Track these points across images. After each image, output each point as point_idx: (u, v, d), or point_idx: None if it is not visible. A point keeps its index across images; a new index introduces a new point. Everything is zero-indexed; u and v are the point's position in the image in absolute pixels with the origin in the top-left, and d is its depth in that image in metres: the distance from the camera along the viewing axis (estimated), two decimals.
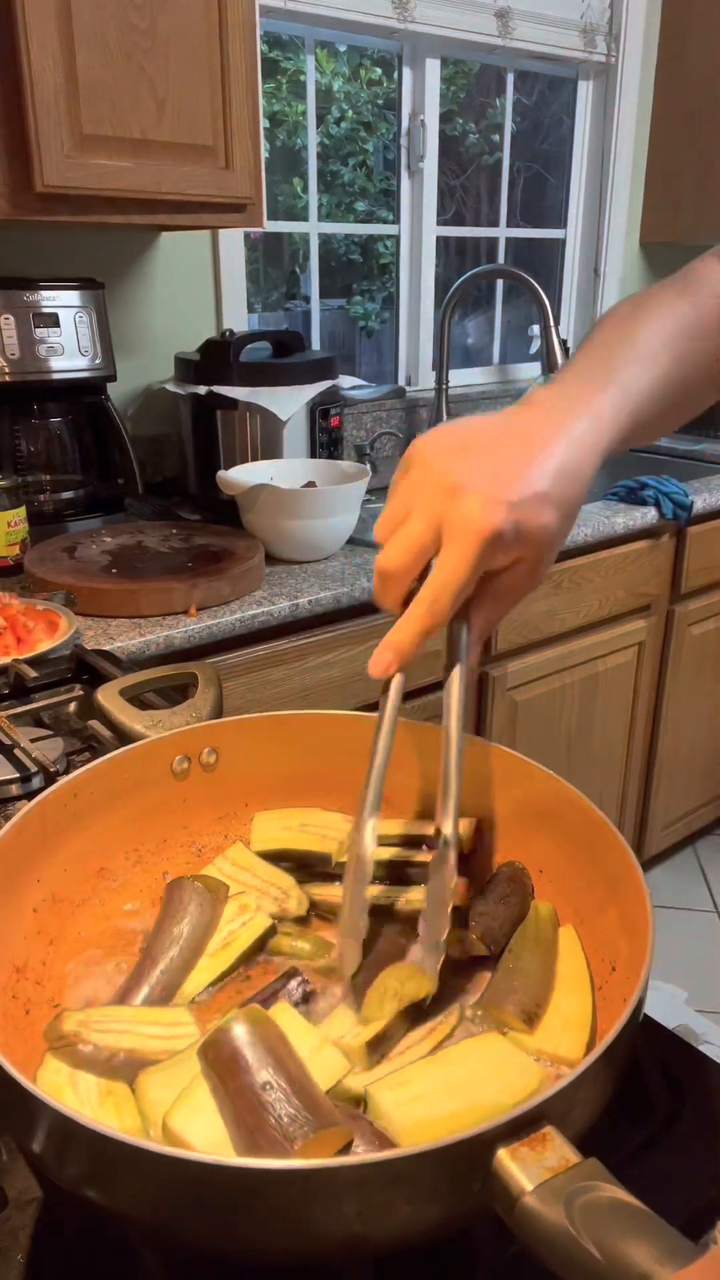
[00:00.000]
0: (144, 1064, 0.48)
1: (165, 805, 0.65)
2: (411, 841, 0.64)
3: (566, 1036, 0.50)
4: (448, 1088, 0.45)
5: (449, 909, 0.52)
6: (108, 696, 0.77)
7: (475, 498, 0.50)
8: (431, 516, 0.51)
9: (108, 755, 0.63)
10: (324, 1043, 0.48)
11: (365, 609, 1.56)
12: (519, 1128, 0.37)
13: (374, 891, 0.59)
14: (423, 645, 0.53)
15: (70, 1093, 0.48)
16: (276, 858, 0.64)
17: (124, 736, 0.72)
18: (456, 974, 0.57)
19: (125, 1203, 0.39)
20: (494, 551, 0.51)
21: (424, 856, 0.63)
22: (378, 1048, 0.49)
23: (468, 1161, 0.36)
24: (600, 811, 0.55)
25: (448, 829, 0.53)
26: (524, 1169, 0.36)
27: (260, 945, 0.58)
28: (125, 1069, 0.48)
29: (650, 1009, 0.47)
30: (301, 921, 0.60)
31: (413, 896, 0.61)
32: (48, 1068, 0.49)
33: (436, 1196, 0.37)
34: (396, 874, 0.62)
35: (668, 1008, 1.77)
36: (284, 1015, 0.49)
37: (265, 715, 0.67)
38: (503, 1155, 0.36)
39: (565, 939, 0.56)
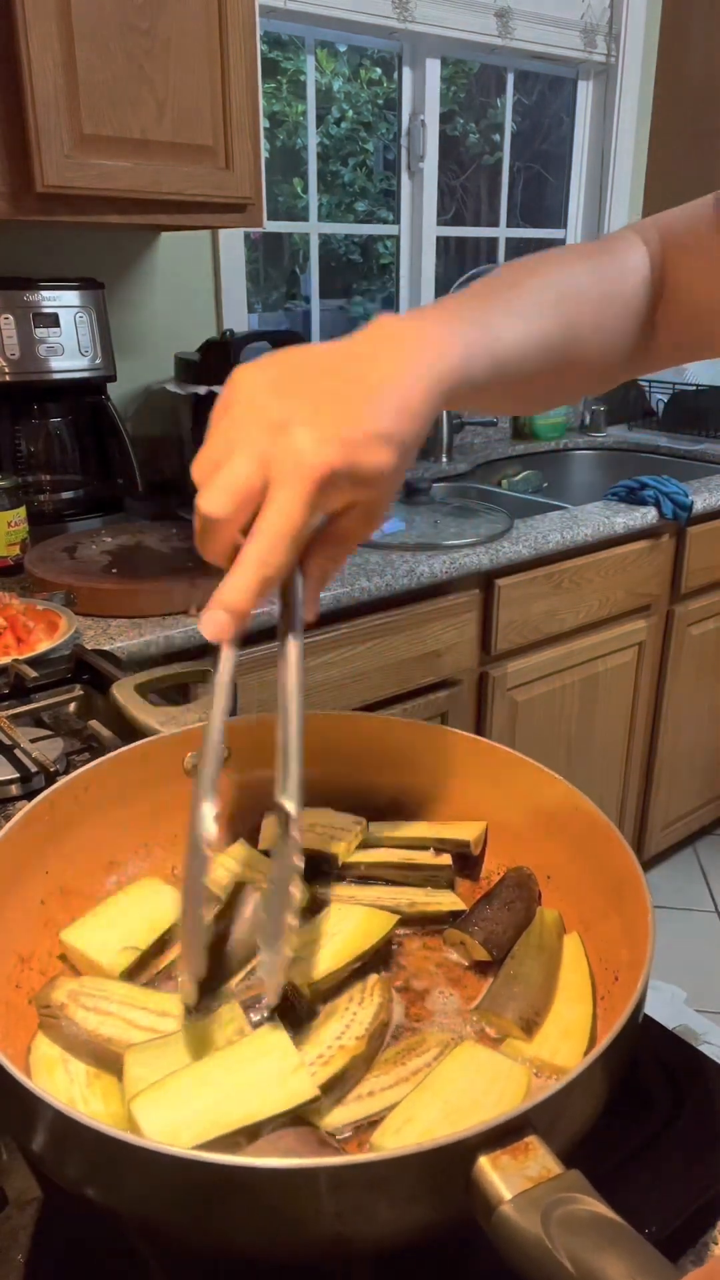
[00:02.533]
0: (123, 1057, 0.48)
1: (176, 801, 0.65)
2: (419, 845, 0.64)
3: (565, 1046, 0.50)
4: (445, 1111, 0.45)
5: (294, 899, 0.47)
6: (123, 691, 0.77)
7: (307, 434, 0.45)
8: (258, 455, 0.46)
9: (120, 750, 0.63)
10: (299, 1067, 0.46)
11: (365, 609, 1.56)
12: (502, 1135, 0.36)
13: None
14: (260, 601, 0.47)
15: (61, 1071, 0.48)
16: None
17: (137, 732, 0.72)
18: (458, 979, 0.57)
19: (120, 1200, 0.39)
20: (329, 493, 0.46)
21: (425, 858, 0.63)
22: (336, 1087, 0.47)
23: (449, 1167, 0.36)
24: (607, 818, 0.55)
25: (290, 805, 0.47)
26: (504, 1178, 0.35)
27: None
28: (107, 1057, 0.48)
29: (650, 1009, 0.47)
30: (304, 913, 0.60)
31: (418, 899, 0.61)
32: (40, 1042, 0.50)
33: (418, 1201, 0.37)
34: (405, 877, 0.62)
35: (668, 1008, 1.77)
36: (271, 1033, 0.48)
37: (277, 714, 0.67)
38: (483, 1163, 0.36)
39: (570, 946, 0.56)
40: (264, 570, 0.46)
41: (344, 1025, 0.49)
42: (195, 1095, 0.43)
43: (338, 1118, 0.46)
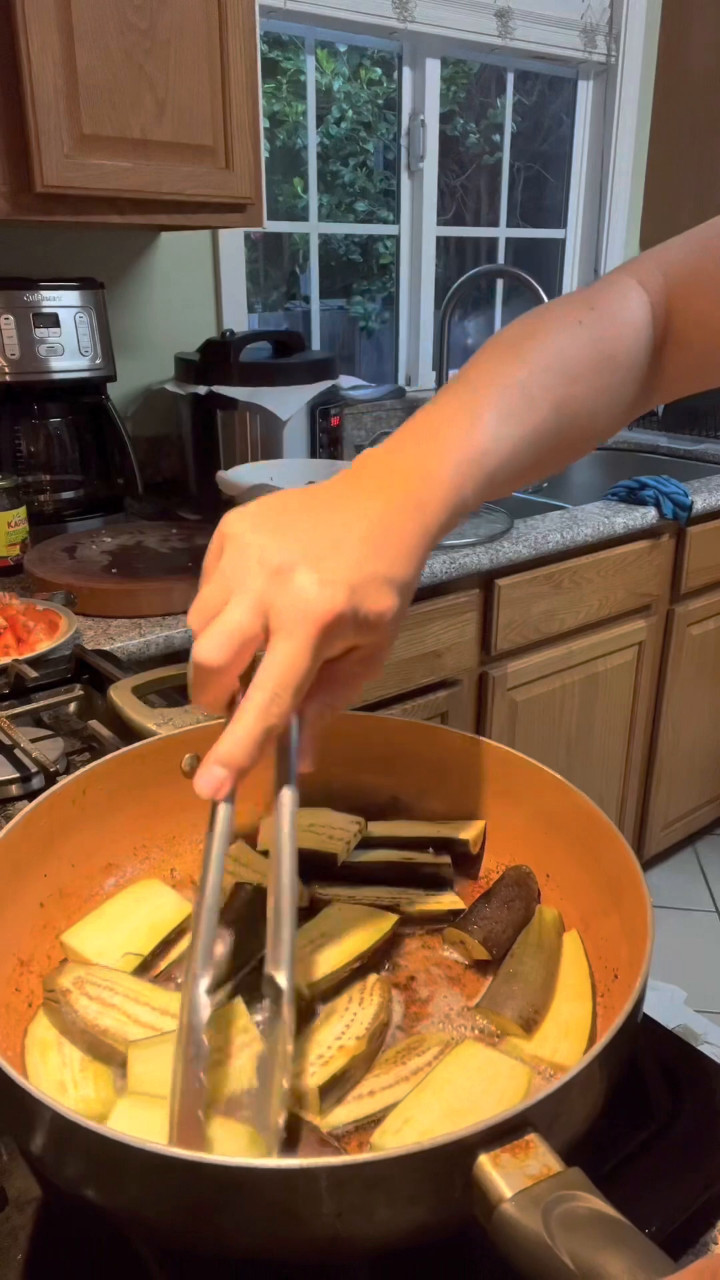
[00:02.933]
0: (117, 1050, 0.48)
1: (174, 803, 0.65)
2: (418, 844, 0.64)
3: (564, 1044, 0.50)
4: (445, 1111, 0.45)
5: (282, 1084, 0.42)
6: (120, 694, 0.77)
7: (308, 577, 0.43)
8: (255, 602, 0.43)
9: (117, 751, 0.63)
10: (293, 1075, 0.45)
11: None
12: (502, 1134, 0.36)
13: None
14: (260, 755, 0.44)
15: (55, 1054, 0.49)
16: None
17: (134, 733, 0.72)
18: (458, 978, 0.57)
19: (120, 1200, 0.39)
20: (334, 637, 0.44)
21: (424, 857, 0.63)
22: (336, 1088, 0.47)
23: (448, 1166, 0.36)
24: (606, 817, 0.55)
25: (281, 978, 0.43)
26: (504, 1176, 0.35)
27: None
28: (101, 1048, 0.48)
29: (650, 1009, 0.47)
30: (303, 914, 0.61)
31: (418, 898, 0.61)
32: (39, 1023, 0.50)
33: (418, 1201, 0.37)
34: (402, 877, 0.62)
35: (668, 1008, 1.77)
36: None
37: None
38: (483, 1161, 0.36)
39: (569, 945, 0.56)
40: (266, 722, 0.43)
41: (344, 1025, 0.49)
42: None
43: (338, 1117, 0.46)
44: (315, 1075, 0.46)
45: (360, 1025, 0.49)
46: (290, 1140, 0.43)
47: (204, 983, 0.43)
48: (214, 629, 0.44)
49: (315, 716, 0.49)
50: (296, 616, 0.43)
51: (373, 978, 0.53)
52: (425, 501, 0.48)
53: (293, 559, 0.44)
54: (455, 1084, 0.46)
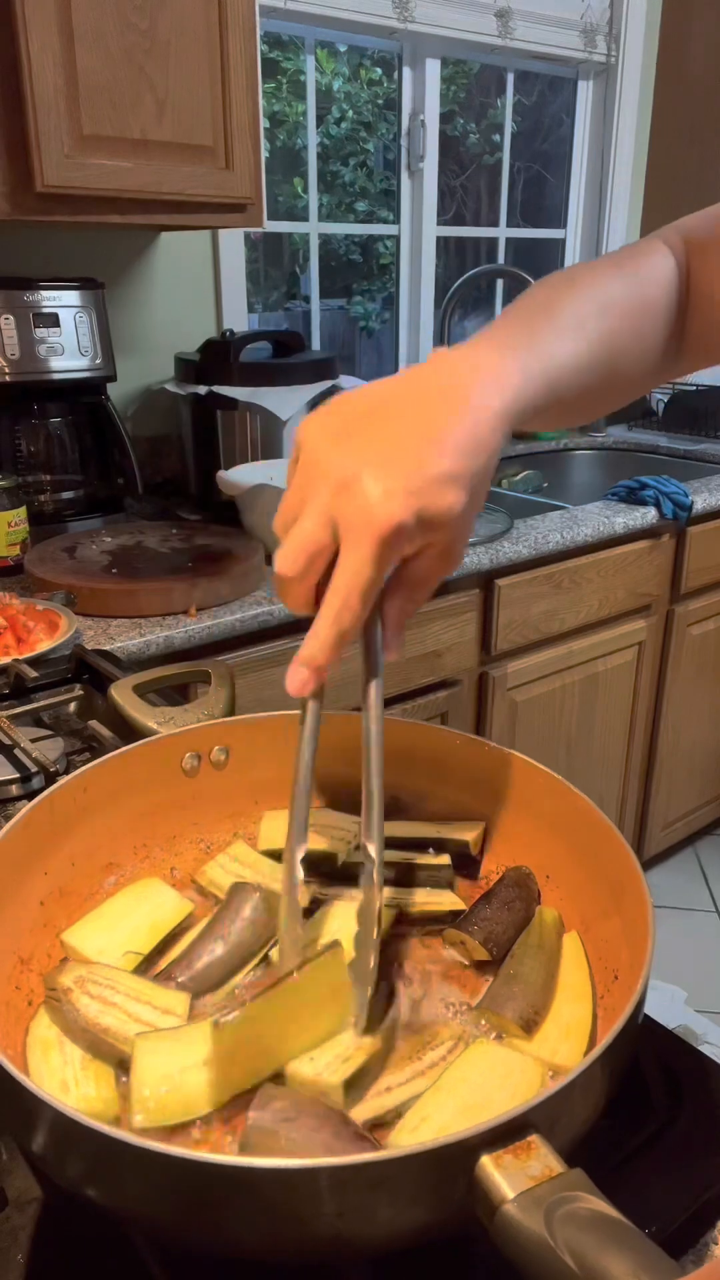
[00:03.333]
0: (118, 1049, 0.48)
1: (175, 802, 0.65)
2: (419, 845, 0.64)
3: (565, 1045, 0.50)
4: (460, 1109, 0.45)
5: (376, 932, 0.50)
6: (121, 692, 0.77)
7: (370, 489, 0.45)
8: (323, 514, 0.47)
9: (118, 750, 0.63)
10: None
11: None
12: (504, 1135, 0.36)
13: (381, 896, 0.58)
14: (339, 655, 0.48)
15: (56, 1053, 0.49)
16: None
17: (135, 732, 0.72)
18: (458, 979, 0.57)
19: (120, 1200, 0.39)
20: (398, 545, 0.46)
21: (425, 858, 0.63)
22: (357, 1084, 0.48)
23: (450, 1167, 0.36)
24: (606, 818, 0.55)
25: (373, 847, 0.49)
26: (506, 1177, 0.35)
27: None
28: (102, 1047, 0.48)
29: (650, 1009, 0.47)
30: (305, 913, 0.61)
31: (418, 899, 0.61)
32: (40, 1022, 0.50)
33: (419, 1201, 0.37)
34: (402, 877, 0.62)
35: (668, 1008, 1.77)
36: None
37: (277, 714, 0.67)
38: (485, 1162, 0.36)
39: (569, 946, 0.56)
40: (339, 626, 0.47)
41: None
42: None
43: (358, 1115, 0.46)
44: (338, 1071, 0.46)
45: (373, 1022, 0.49)
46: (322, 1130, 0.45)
47: (299, 853, 0.51)
48: (288, 542, 0.48)
49: (395, 613, 0.52)
50: (360, 528, 0.46)
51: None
52: (492, 396, 0.49)
53: (357, 470, 0.46)
54: (470, 1082, 0.46)
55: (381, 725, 0.51)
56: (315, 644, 0.48)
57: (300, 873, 0.50)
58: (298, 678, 0.49)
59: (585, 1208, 0.35)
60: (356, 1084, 0.47)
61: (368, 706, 0.52)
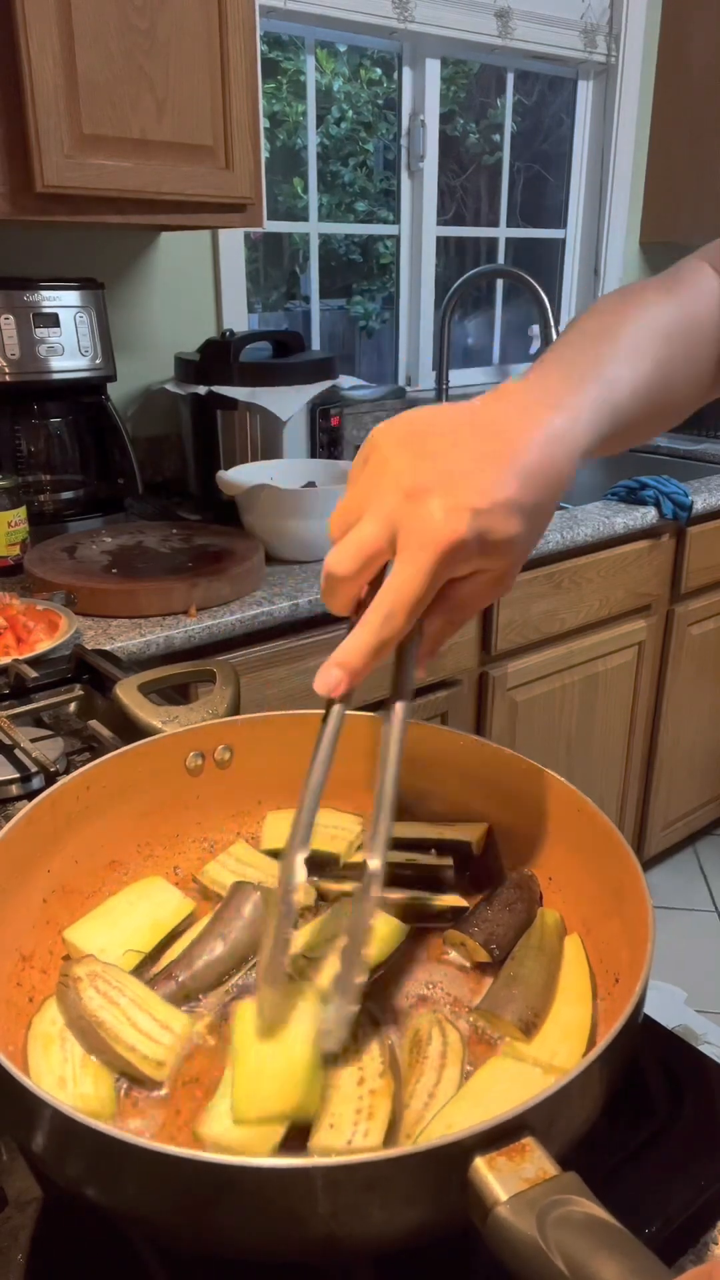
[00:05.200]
0: (109, 1045, 0.48)
1: (179, 800, 0.65)
2: (421, 846, 0.64)
3: (564, 1047, 0.50)
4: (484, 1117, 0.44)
5: (365, 948, 0.48)
6: (126, 691, 0.77)
7: (436, 503, 0.45)
8: (386, 520, 0.46)
9: (123, 749, 0.63)
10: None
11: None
12: (498, 1137, 0.36)
13: (388, 892, 0.58)
14: (375, 662, 0.48)
15: (57, 1049, 0.49)
16: None
17: (138, 731, 0.72)
18: (459, 980, 0.57)
19: (120, 1200, 0.39)
20: (454, 562, 0.46)
21: (427, 858, 0.63)
22: (392, 1132, 0.46)
23: (444, 1169, 0.36)
24: (608, 820, 0.55)
25: (374, 862, 0.47)
26: (500, 1179, 0.35)
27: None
28: (94, 1041, 0.49)
29: (650, 1009, 0.47)
30: (310, 912, 0.61)
31: (418, 895, 0.61)
32: (44, 1016, 0.50)
33: (414, 1202, 0.37)
34: (404, 878, 0.62)
35: (668, 1008, 1.77)
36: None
37: (281, 714, 0.67)
38: (479, 1164, 0.36)
39: (571, 948, 0.56)
40: (383, 635, 0.47)
41: (356, 1068, 0.47)
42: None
43: (429, 1136, 0.45)
44: (370, 1134, 0.44)
45: (374, 1061, 0.48)
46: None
47: (300, 854, 0.48)
48: (346, 541, 0.47)
49: (436, 631, 0.51)
50: (420, 541, 0.45)
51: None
52: (562, 429, 0.49)
53: (427, 483, 0.46)
54: (492, 1091, 0.46)
55: (401, 749, 0.50)
56: (354, 647, 0.47)
57: (299, 875, 0.49)
58: (330, 678, 0.48)
59: (579, 1211, 0.35)
60: (393, 1130, 0.45)
61: (390, 725, 0.50)
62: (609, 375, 0.53)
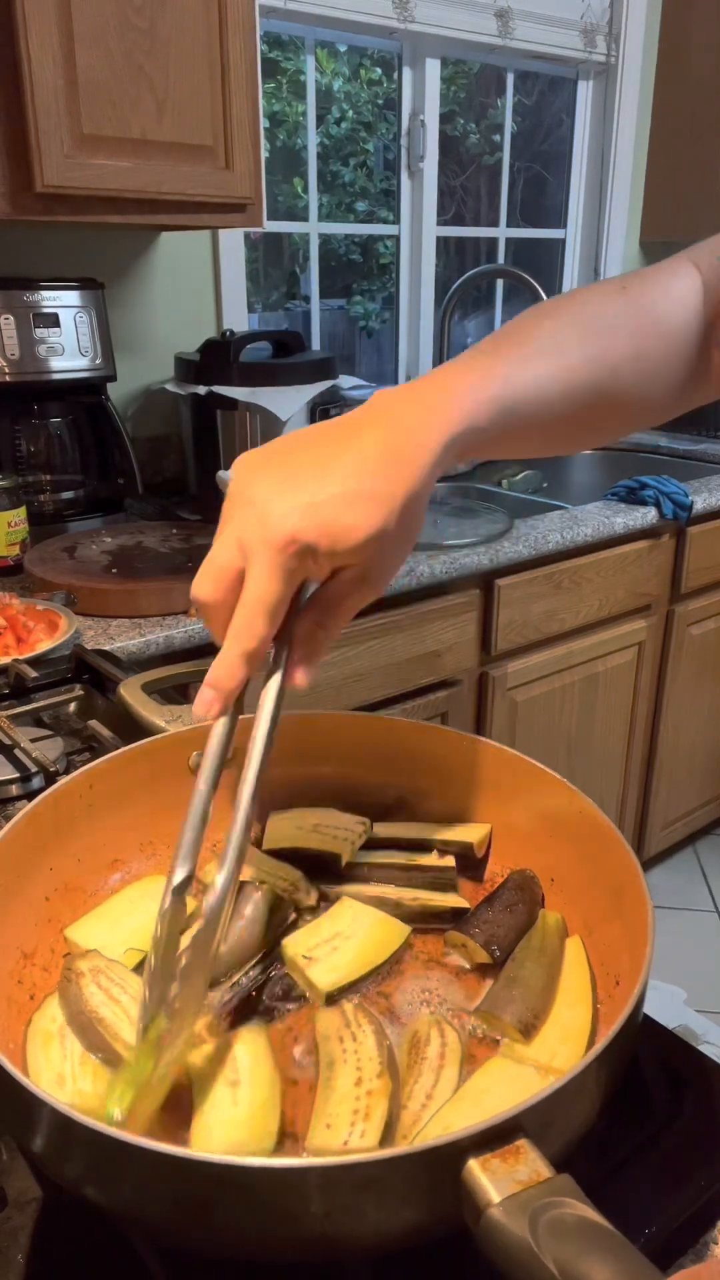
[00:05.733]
0: (106, 1041, 0.48)
1: (181, 799, 0.65)
2: (423, 846, 0.64)
3: (563, 1049, 0.50)
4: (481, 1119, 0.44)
5: (209, 960, 0.47)
6: (130, 690, 0.77)
7: (273, 506, 0.46)
8: (233, 536, 0.48)
9: (126, 747, 0.63)
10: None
11: (365, 609, 1.55)
12: (493, 1138, 0.36)
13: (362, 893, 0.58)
14: (247, 675, 0.48)
15: (57, 1046, 0.49)
16: (288, 856, 0.64)
17: (141, 730, 0.72)
18: (459, 981, 0.57)
19: (119, 1200, 0.39)
20: (303, 560, 0.46)
21: (429, 859, 0.63)
22: (388, 1134, 0.45)
23: (438, 1170, 0.36)
24: (610, 823, 0.55)
25: (221, 876, 0.47)
26: (493, 1180, 0.35)
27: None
28: (93, 1036, 0.49)
29: (650, 1009, 0.47)
30: (311, 912, 0.61)
31: (420, 894, 0.61)
32: (44, 1014, 0.51)
33: (408, 1203, 0.37)
34: (406, 879, 0.62)
35: (668, 1008, 1.77)
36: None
37: (286, 714, 0.67)
38: (473, 1165, 0.36)
39: (572, 950, 0.56)
40: (243, 644, 0.47)
41: (354, 1068, 0.48)
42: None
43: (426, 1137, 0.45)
44: (366, 1135, 0.44)
45: (372, 1062, 0.48)
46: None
47: (180, 873, 0.47)
48: (203, 568, 0.49)
49: (304, 634, 0.51)
50: (257, 543, 0.46)
51: (349, 1006, 0.52)
52: (428, 424, 0.49)
53: (268, 493, 0.47)
54: (492, 1093, 0.46)
55: (271, 725, 0.49)
56: (221, 665, 0.48)
57: (169, 901, 0.47)
58: (203, 701, 0.49)
59: (571, 1214, 0.35)
60: (389, 1131, 0.45)
61: (261, 708, 0.50)
62: (502, 370, 0.52)
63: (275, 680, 0.50)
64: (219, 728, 0.51)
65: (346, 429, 0.49)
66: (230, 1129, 0.44)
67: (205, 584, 0.48)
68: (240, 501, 0.48)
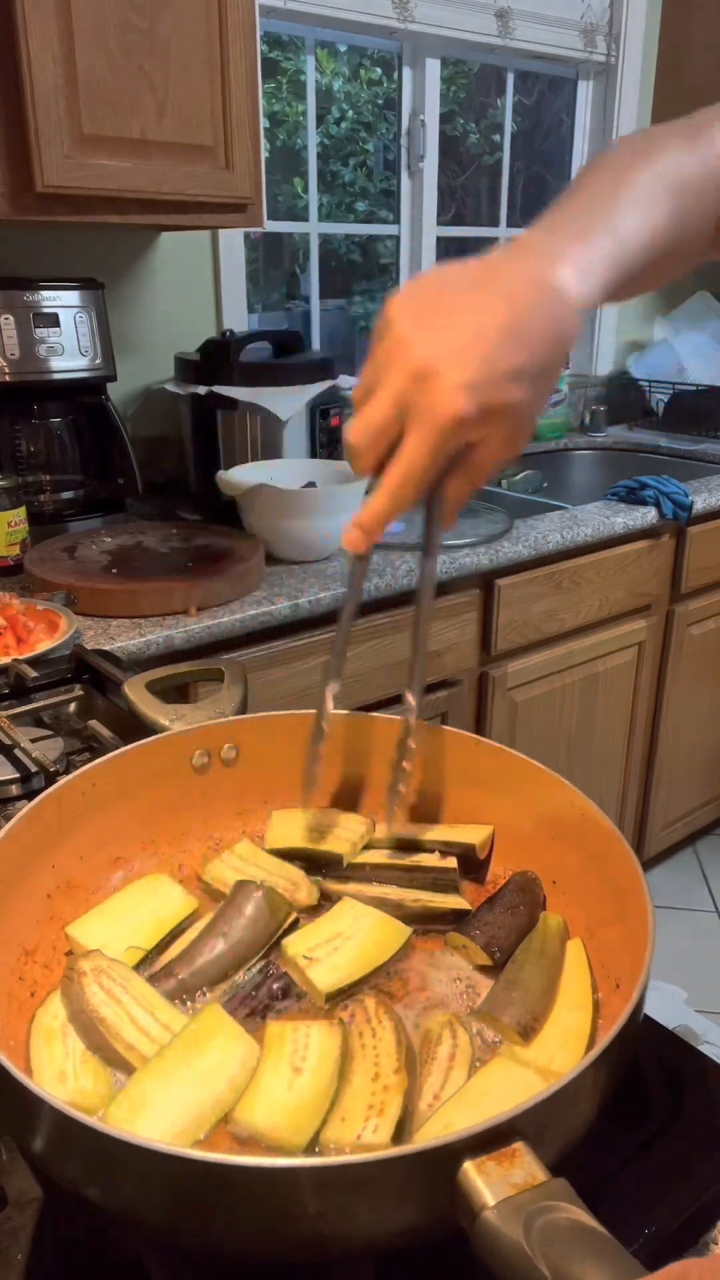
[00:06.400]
0: (107, 1041, 0.48)
1: (184, 798, 0.66)
2: (425, 847, 0.64)
3: (562, 1052, 0.50)
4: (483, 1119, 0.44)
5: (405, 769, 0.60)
6: (134, 689, 0.77)
7: (439, 381, 0.48)
8: (394, 397, 0.50)
9: (129, 746, 0.63)
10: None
11: (366, 609, 1.56)
12: (489, 1141, 0.36)
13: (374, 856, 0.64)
14: (390, 523, 0.54)
15: (59, 1043, 0.49)
16: (290, 856, 0.64)
17: (144, 729, 0.72)
18: (459, 982, 0.57)
19: (119, 1200, 0.39)
20: (459, 434, 0.49)
21: (431, 860, 0.63)
22: (402, 1130, 0.46)
23: (433, 1171, 0.36)
24: (612, 825, 0.55)
25: (412, 696, 0.60)
26: (489, 1183, 0.35)
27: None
28: (95, 1036, 0.49)
29: (650, 1009, 0.47)
30: (312, 912, 0.61)
31: (421, 895, 0.61)
32: (47, 1010, 0.51)
33: (403, 1204, 0.37)
34: (408, 880, 0.62)
35: (668, 1008, 1.77)
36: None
37: (288, 714, 0.67)
38: (468, 1168, 0.36)
39: (573, 952, 0.56)
40: (395, 504, 0.52)
41: (372, 1063, 0.48)
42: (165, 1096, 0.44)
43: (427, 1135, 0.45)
44: (379, 1130, 0.44)
45: (390, 1058, 0.48)
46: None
47: (332, 688, 0.62)
48: (360, 417, 0.52)
49: (454, 492, 0.56)
50: (425, 417, 0.49)
51: (370, 1001, 0.52)
52: (572, 288, 0.51)
53: (430, 360, 0.49)
54: (491, 1095, 0.46)
55: (431, 599, 0.61)
56: (371, 512, 0.53)
57: (330, 706, 0.61)
58: (351, 538, 0.55)
59: (565, 1218, 0.35)
60: (402, 1128, 0.45)
61: (421, 580, 0.60)
62: (620, 226, 0.54)
63: (429, 564, 0.60)
64: (360, 565, 0.59)
65: (506, 287, 0.50)
66: (275, 1112, 0.45)
67: (360, 433, 0.52)
68: (405, 357, 0.49)
